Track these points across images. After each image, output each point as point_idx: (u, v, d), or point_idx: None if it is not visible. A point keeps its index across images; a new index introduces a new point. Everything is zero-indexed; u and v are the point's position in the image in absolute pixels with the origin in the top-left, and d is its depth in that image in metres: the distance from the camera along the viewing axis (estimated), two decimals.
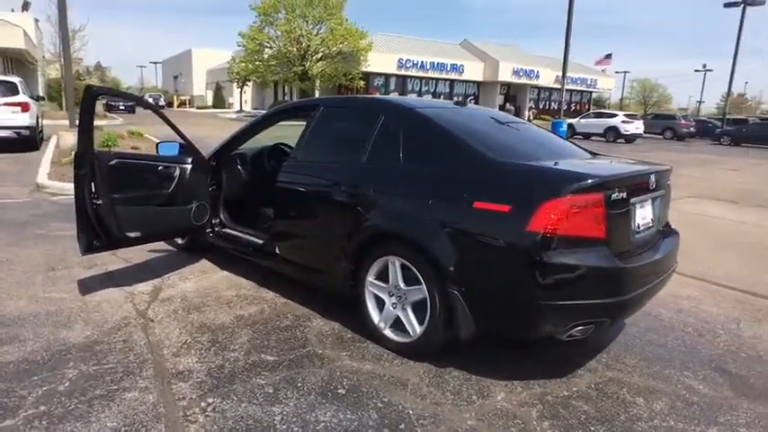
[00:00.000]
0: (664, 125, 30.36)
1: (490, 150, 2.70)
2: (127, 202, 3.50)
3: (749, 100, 73.87)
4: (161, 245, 4.67)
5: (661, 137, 29.88)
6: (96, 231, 3.37)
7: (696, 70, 58.11)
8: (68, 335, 2.97)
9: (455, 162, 2.68)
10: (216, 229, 4.19)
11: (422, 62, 37.21)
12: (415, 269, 2.68)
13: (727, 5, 29.85)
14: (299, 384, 2.51)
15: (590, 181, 2.34)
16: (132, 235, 3.54)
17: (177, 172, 3.85)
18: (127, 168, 3.54)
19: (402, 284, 2.80)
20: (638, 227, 2.68)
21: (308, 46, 30.52)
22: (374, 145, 3.04)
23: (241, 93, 40.10)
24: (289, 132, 4.52)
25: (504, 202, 2.39)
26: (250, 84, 40.02)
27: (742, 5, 29.00)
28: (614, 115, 27.39)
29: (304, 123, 3.57)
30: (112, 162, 3.43)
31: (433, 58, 37.76)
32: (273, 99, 39.98)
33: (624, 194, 2.48)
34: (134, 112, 32.54)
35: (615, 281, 2.40)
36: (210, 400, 2.35)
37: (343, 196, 3.05)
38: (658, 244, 2.89)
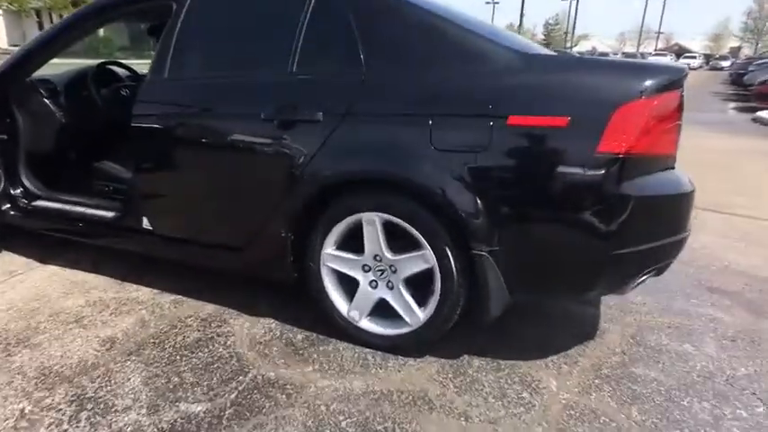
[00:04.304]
0: None
1: (505, 41, 1.85)
2: None
3: None
4: None
5: None
6: None
7: None
8: None
9: (464, 58, 1.77)
10: (20, 204, 2.65)
11: None
12: (412, 228, 1.78)
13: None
14: None
15: (669, 75, 1.65)
16: None
17: None
18: None
19: (387, 253, 1.88)
20: None
21: None
22: (308, 43, 1.94)
23: None
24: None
25: (560, 112, 1.59)
26: (1, 13, 31.25)
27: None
28: None
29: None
30: None
31: None
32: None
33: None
34: None
35: (689, 210, 1.83)
36: None
37: (267, 129, 1.93)
38: None
